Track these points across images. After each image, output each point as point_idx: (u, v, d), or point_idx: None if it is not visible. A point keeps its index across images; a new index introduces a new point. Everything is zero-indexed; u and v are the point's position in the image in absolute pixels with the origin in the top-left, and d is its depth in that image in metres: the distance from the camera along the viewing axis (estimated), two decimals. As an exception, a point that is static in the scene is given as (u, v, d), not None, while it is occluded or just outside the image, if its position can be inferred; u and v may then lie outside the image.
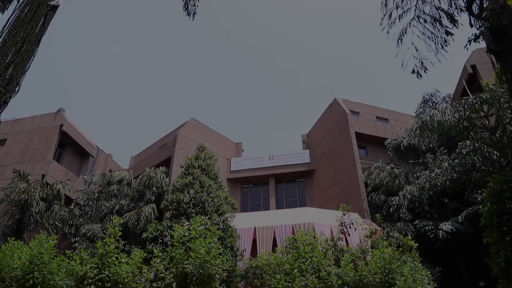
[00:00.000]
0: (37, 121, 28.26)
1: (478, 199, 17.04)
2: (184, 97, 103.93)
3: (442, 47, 10.09)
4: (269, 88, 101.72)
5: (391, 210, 21.55)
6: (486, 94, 14.75)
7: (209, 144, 29.36)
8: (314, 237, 11.92)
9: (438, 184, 17.80)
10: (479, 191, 7.42)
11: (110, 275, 8.83)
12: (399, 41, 10.46)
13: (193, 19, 11.01)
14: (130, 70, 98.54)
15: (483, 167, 16.11)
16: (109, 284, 8.83)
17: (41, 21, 6.34)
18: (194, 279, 8.97)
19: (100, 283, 8.79)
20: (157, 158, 30.43)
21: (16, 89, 5.94)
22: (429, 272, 14.03)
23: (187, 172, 16.48)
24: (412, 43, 10.34)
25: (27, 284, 9.65)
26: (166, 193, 21.45)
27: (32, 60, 6.24)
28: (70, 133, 27.90)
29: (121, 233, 9.71)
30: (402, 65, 10.46)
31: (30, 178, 22.11)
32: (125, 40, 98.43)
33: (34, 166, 25.47)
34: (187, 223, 13.32)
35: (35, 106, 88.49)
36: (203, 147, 17.74)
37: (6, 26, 6.00)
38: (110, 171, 29.37)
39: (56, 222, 22.39)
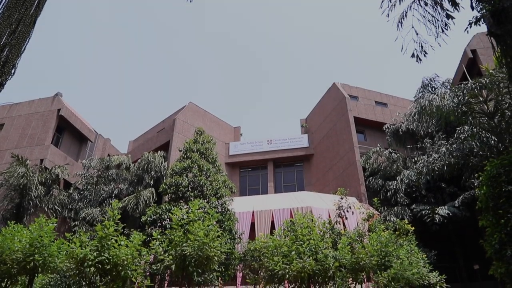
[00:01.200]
0: (34, 106, 28.11)
1: (475, 184, 17.16)
2: (183, 82, 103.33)
3: (443, 31, 9.94)
4: (268, 73, 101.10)
5: (388, 194, 21.73)
6: (485, 79, 14.64)
7: (207, 128, 29.33)
8: (312, 220, 12.02)
9: (436, 168, 17.86)
10: (476, 175, 7.45)
11: (110, 257, 8.93)
12: (399, 24, 10.28)
13: (190, 1, 10.80)
14: (129, 55, 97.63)
15: (480, 152, 16.14)
16: (108, 266, 8.95)
17: (36, 2, 6.23)
18: (192, 261, 9.09)
19: (100, 265, 8.91)
20: (156, 142, 30.43)
21: (12, 71, 5.86)
22: (425, 255, 14.24)
23: (185, 156, 16.50)
24: (412, 27, 10.18)
25: (28, 266, 9.79)
26: (164, 177, 21.54)
27: (28, 42, 6.13)
28: (68, 118, 27.80)
29: (120, 216, 9.80)
30: (402, 49, 10.34)
31: (29, 163, 22.13)
32: (124, 25, 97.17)
33: (32, 150, 25.46)
34: (185, 206, 13.41)
35: (32, 91, 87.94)
36: (201, 131, 17.72)
37: (0, 7, 5.89)
38: (108, 155, 29.39)
39: (56, 206, 22.53)
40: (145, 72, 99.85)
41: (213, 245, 9.32)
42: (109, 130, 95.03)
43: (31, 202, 21.27)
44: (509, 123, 14.66)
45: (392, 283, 11.83)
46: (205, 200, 14.52)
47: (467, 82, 15.82)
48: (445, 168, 17.49)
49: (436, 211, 19.53)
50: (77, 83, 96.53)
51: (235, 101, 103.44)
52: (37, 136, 26.20)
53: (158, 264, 10.35)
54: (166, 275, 14.40)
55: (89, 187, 24.14)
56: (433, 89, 25.13)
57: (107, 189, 23.98)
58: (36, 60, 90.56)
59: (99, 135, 32.88)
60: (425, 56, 10.53)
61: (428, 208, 20.21)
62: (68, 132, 29.04)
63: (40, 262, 9.84)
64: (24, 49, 5.98)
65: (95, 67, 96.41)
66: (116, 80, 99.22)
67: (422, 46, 10.39)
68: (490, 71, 14.56)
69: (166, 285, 16.53)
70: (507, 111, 14.70)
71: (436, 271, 13.78)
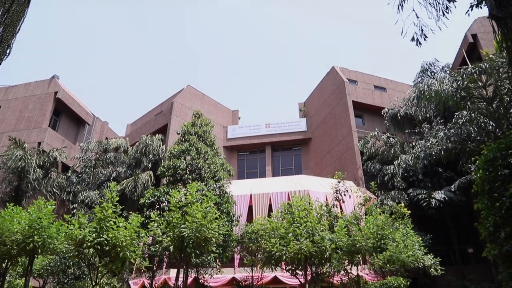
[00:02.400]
0: (31, 88, 27.90)
1: (472, 169, 17.27)
2: (181, 64, 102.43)
3: (443, 14, 9.82)
4: (267, 56, 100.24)
5: (385, 178, 21.86)
6: (485, 64, 14.54)
7: (205, 111, 29.23)
8: (309, 203, 12.11)
9: (433, 153, 17.91)
10: (472, 159, 7.47)
11: (109, 238, 9.02)
12: (400, 7, 10.15)
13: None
14: (126, 36, 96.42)
15: (478, 137, 16.16)
16: (107, 248, 9.04)
17: (30, -20, 6.11)
18: (191, 242, 9.18)
19: (99, 247, 9.01)
20: (153, 125, 30.35)
21: (7, 51, 5.77)
22: (420, 238, 14.46)
23: (183, 138, 16.48)
24: (413, 10, 10.05)
25: (27, 248, 9.88)
26: (162, 160, 21.59)
27: (23, 21, 6.02)
28: (65, 100, 27.64)
29: (118, 198, 9.84)
30: (402, 32, 10.22)
31: (26, 146, 22.11)
32: (122, 5, 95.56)
33: (30, 133, 25.40)
34: (183, 189, 13.47)
35: (28, 73, 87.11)
36: (199, 114, 17.66)
37: (-7, -15, 5.76)
38: (106, 138, 29.39)
39: (54, 189, 22.63)
40: (143, 54, 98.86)
41: (211, 227, 9.40)
42: (107, 113, 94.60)
43: (29, 185, 21.33)
44: (508, 108, 14.64)
45: (388, 265, 12.05)
46: (203, 183, 14.57)
47: (466, 67, 15.72)
48: (443, 153, 17.55)
49: (433, 196, 19.71)
50: (73, 66, 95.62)
51: (234, 84, 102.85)
52: (34, 119, 26.10)
53: (157, 245, 10.45)
54: (165, 256, 14.56)
55: (87, 170, 24.19)
56: (433, 73, 25.01)
57: (105, 172, 24.06)
58: (31, 42, 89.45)
59: (96, 118, 32.76)
60: (425, 39, 10.41)
61: (424, 192, 20.38)
62: (66, 115, 28.93)
63: (40, 243, 9.92)
64: (19, 28, 5.88)
65: (92, 50, 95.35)
66: (114, 62, 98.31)
67: (422, 30, 10.26)
68: (490, 55, 14.46)
69: (164, 266, 16.76)
70: (505, 96, 14.67)
71: (431, 254, 14.02)
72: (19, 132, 25.04)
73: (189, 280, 14.86)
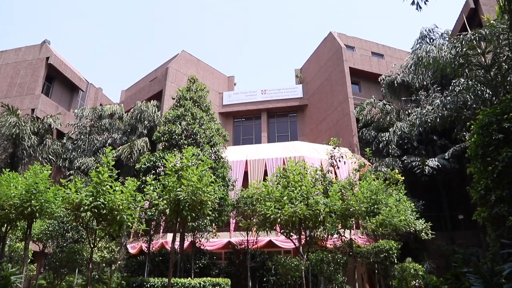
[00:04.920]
0: (21, 54, 27.20)
1: (466, 137, 17.38)
2: (176, 29, 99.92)
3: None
4: (263, 21, 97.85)
5: (380, 145, 22.01)
6: (485, 30, 14.27)
7: (200, 77, 28.84)
8: (304, 167, 12.19)
9: (429, 121, 17.93)
10: (467, 123, 7.48)
11: (105, 202, 9.11)
12: (401, -32, 9.81)
13: None
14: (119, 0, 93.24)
15: (474, 105, 16.14)
16: (104, 211, 9.16)
17: None
18: (186, 205, 9.29)
19: (96, 210, 9.12)
20: (148, 91, 30.00)
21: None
22: (413, 204, 14.74)
23: (178, 104, 16.35)
24: (415, -29, 9.72)
25: (25, 212, 9.99)
26: (158, 127, 21.50)
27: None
28: (57, 66, 27.04)
29: (114, 163, 9.86)
30: (402, -5, 9.93)
31: (20, 112, 21.83)
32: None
33: (23, 100, 25.04)
34: (179, 154, 13.52)
35: (17, 38, 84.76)
36: (194, 79, 17.42)
37: None
38: (100, 105, 29.06)
39: (50, 156, 22.57)
40: (136, 19, 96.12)
41: (207, 190, 9.49)
42: (101, 79, 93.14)
43: (24, 151, 21.25)
44: (505, 76, 14.53)
45: (380, 229, 12.35)
46: (199, 148, 14.57)
47: (466, 33, 15.42)
48: (438, 120, 17.56)
49: (426, 163, 19.94)
50: (64, 30, 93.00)
51: (230, 50, 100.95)
52: (27, 85, 25.65)
53: (153, 209, 10.57)
54: (162, 221, 14.80)
55: (82, 136, 24.08)
56: (431, 40, 24.61)
57: (100, 138, 23.96)
58: (19, 6, 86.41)
59: (90, 84, 32.24)
60: (425, 3, 10.12)
61: (418, 159, 20.60)
62: (58, 81, 28.41)
63: (37, 207, 10.02)
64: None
65: (83, 13, 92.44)
66: (107, 27, 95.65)
67: (423, -7, 9.97)
68: (491, 21, 14.16)
69: (161, 231, 17.09)
70: (504, 64, 14.51)
71: (422, 219, 14.37)
72: (11, 99, 24.66)
73: (186, 243, 15.21)
